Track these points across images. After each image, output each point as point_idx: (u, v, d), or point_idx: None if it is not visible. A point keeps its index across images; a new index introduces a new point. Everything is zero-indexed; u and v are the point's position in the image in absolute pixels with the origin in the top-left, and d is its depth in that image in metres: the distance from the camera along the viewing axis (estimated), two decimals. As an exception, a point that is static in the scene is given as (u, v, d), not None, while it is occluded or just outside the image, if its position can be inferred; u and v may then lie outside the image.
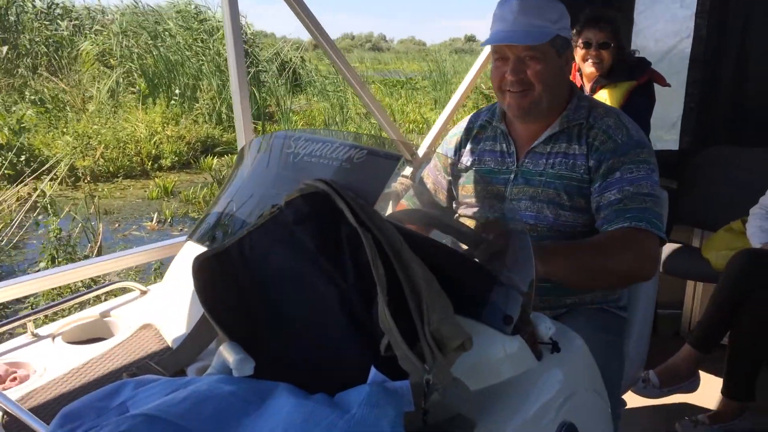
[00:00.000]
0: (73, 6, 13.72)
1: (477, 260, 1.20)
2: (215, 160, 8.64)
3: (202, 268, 1.02)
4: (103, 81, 10.55)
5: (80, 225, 4.92)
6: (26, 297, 3.56)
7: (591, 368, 1.27)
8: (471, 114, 1.89)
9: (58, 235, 4.24)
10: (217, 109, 10.47)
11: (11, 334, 1.48)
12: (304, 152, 1.29)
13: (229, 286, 1.04)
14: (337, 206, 1.02)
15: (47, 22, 12.73)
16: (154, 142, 8.39)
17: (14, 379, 1.24)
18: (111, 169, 7.69)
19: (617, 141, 1.57)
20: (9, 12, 12.41)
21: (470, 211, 1.71)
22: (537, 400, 1.06)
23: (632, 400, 2.32)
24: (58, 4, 13.48)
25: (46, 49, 12.02)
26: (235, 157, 8.58)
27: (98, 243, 4.83)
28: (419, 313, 0.88)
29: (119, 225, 6.05)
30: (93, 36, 12.30)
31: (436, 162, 1.88)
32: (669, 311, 3.21)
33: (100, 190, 7.23)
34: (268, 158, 1.50)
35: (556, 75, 1.60)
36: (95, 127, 8.27)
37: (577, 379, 1.21)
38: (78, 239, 4.75)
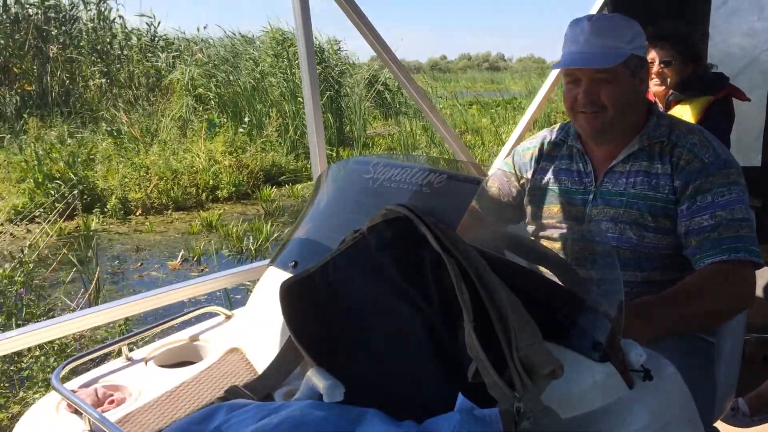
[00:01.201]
0: (176, 37, 14.39)
1: (562, 284, 1.17)
2: (274, 190, 8.74)
3: (288, 293, 1.05)
4: (175, 110, 10.88)
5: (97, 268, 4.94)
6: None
7: (684, 397, 1.21)
8: (545, 130, 1.85)
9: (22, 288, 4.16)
10: (290, 134, 10.64)
11: (106, 358, 1.58)
12: (383, 177, 1.30)
13: (314, 311, 1.05)
14: (419, 231, 1.01)
15: (150, 54, 13.39)
16: (213, 172, 8.52)
17: (112, 401, 1.29)
18: (164, 200, 7.82)
19: (704, 160, 1.51)
20: (113, 44, 13.15)
21: (550, 232, 1.68)
22: (629, 431, 1.02)
23: (722, 429, 2.19)
24: (161, 37, 14.15)
25: (146, 80, 12.61)
26: (298, 186, 8.79)
27: (89, 291, 4.72)
28: (507, 339, 0.87)
29: (142, 264, 6.06)
30: (183, 66, 12.76)
31: (504, 168, 1.85)
32: (758, 335, 3.07)
33: (144, 223, 7.34)
34: (347, 183, 1.52)
35: (629, 96, 1.56)
36: (153, 158, 8.44)
37: (671, 408, 1.16)
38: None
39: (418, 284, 1.02)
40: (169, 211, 7.74)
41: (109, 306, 1.69)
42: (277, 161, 9.56)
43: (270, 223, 7.13)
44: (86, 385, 1.36)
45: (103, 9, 13.83)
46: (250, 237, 6.59)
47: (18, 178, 7.93)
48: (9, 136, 9.89)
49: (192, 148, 9.02)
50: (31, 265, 4.93)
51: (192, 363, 1.44)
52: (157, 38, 14.45)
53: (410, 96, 2.70)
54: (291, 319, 1.03)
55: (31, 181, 7.48)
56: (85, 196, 7.52)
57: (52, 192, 7.32)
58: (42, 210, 7.23)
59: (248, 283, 4.38)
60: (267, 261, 1.75)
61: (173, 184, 8.06)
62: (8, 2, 12.60)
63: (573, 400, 1.00)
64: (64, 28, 13.15)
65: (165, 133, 9.77)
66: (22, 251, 5.24)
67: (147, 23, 14.59)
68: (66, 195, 7.37)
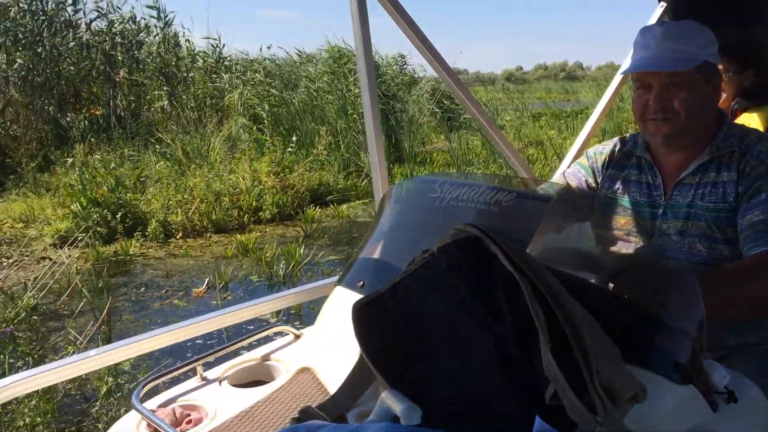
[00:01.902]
0: (239, 59, 14.65)
1: (638, 303, 1.14)
2: (318, 211, 8.47)
3: (360, 314, 1.04)
4: (224, 131, 10.88)
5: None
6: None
7: (769, 419, 1.17)
8: (617, 137, 1.83)
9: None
10: (342, 152, 10.41)
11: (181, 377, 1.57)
12: (450, 196, 1.31)
13: (385, 331, 1.05)
14: (490, 251, 1.01)
15: (214, 75, 13.65)
16: (257, 193, 8.34)
17: (189, 421, 1.33)
18: (205, 223, 7.67)
19: None
20: (179, 67, 13.50)
21: (619, 245, 1.68)
22: (714, 456, 0.99)
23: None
24: (226, 58, 14.44)
25: (209, 101, 12.81)
26: (344, 206, 8.51)
27: (100, 322, 4.56)
28: (586, 361, 0.86)
29: (167, 291, 5.84)
30: (242, 86, 12.86)
31: (578, 167, 1.84)
32: None
33: (182, 247, 7.19)
34: (413, 203, 1.54)
35: (703, 103, 1.54)
36: (196, 180, 8.35)
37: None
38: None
39: (490, 304, 1.03)
40: (209, 234, 7.59)
41: (175, 327, 1.72)
42: (324, 180, 9.29)
43: (305, 246, 6.84)
44: (164, 405, 1.40)
45: (168, 33, 14.12)
46: (282, 261, 6.30)
47: (63, 203, 8.01)
48: (72, 159, 10.09)
49: (237, 168, 8.87)
50: (28, 300, 4.85)
51: (264, 382, 1.48)
52: (221, 60, 14.63)
53: (467, 110, 2.63)
54: (363, 339, 1.03)
55: (76, 205, 7.51)
56: (128, 220, 7.47)
57: (95, 216, 7.32)
58: (83, 235, 7.25)
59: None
60: (329, 279, 1.95)
61: (215, 206, 7.91)
62: (78, 31, 13.05)
63: (655, 424, 0.98)
64: (131, 53, 13.49)
65: (214, 154, 9.71)
66: (25, 284, 5.18)
67: (212, 45, 14.82)
68: (108, 219, 7.36)
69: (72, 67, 12.92)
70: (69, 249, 6.98)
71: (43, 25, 12.56)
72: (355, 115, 11.25)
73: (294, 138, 10.36)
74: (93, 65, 13.06)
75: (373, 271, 1.51)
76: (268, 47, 18.64)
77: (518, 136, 13.13)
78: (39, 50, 12.52)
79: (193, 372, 1.52)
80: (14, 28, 12.16)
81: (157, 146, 10.39)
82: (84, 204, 7.42)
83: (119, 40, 13.40)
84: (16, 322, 4.61)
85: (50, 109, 12.19)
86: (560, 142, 12.51)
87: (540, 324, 0.88)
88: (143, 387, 1.41)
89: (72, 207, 7.57)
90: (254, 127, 11.26)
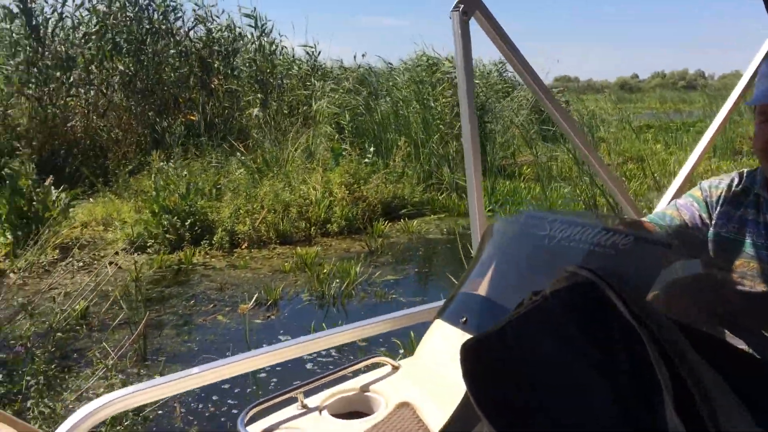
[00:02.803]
0: (333, 66, 14.82)
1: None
2: (387, 225, 8.16)
3: (468, 354, 0.98)
4: (302, 140, 10.83)
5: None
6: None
7: None
8: (734, 172, 1.74)
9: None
10: (421, 163, 10.10)
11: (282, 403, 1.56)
12: (560, 236, 1.27)
13: (493, 376, 0.99)
14: (606, 298, 0.95)
15: (308, 83, 13.83)
16: (327, 205, 8.14)
17: None
18: (271, 234, 7.55)
19: None
20: (275, 74, 13.79)
21: (735, 290, 1.57)
22: None
23: None
24: (320, 67, 14.61)
25: (301, 109, 12.96)
26: (415, 221, 8.17)
27: (135, 336, 4.48)
28: (714, 423, 0.80)
29: (214, 305, 5.69)
30: (330, 95, 12.88)
31: (692, 200, 1.74)
32: None
33: (245, 257, 7.10)
34: (521, 240, 1.49)
35: None
36: (265, 189, 8.27)
37: None
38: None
39: (605, 352, 0.96)
40: (274, 246, 7.46)
41: (271, 349, 1.73)
42: (400, 193, 8.95)
43: (366, 263, 6.55)
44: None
45: (263, 41, 14.35)
46: (336, 279, 6.03)
47: (139, 208, 8.16)
48: (163, 164, 10.36)
49: (310, 179, 8.72)
50: (80, 307, 4.85)
51: (363, 413, 1.49)
52: (315, 68, 14.69)
53: (560, 127, 2.52)
54: (472, 383, 0.97)
55: (147, 211, 7.62)
56: (197, 228, 7.49)
57: (165, 223, 7.39)
58: (152, 241, 7.32)
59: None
60: (425, 306, 1.97)
61: (282, 216, 7.78)
62: (178, 39, 13.51)
63: None
64: (227, 60, 13.81)
65: (291, 163, 9.63)
66: (54, 299, 5.19)
67: (308, 52, 14.92)
68: (177, 226, 7.40)
69: (172, 74, 13.39)
70: (138, 255, 7.08)
71: (147, 34, 13.10)
72: (440, 126, 10.87)
73: (372, 148, 10.09)
74: (191, 72, 13.47)
75: (476, 307, 1.49)
76: (363, 55, 18.63)
77: (618, 150, 12.23)
78: (141, 57, 13.07)
79: (294, 398, 1.53)
80: (118, 36, 12.75)
81: (239, 153, 10.46)
82: (156, 210, 7.51)
83: (217, 48, 13.75)
84: (58, 330, 4.65)
85: (149, 114, 12.67)
86: (665, 157, 11.53)
87: (663, 380, 0.84)
88: (248, 412, 1.43)
89: (144, 213, 7.69)
90: (336, 137, 11.12)
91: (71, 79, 11.72)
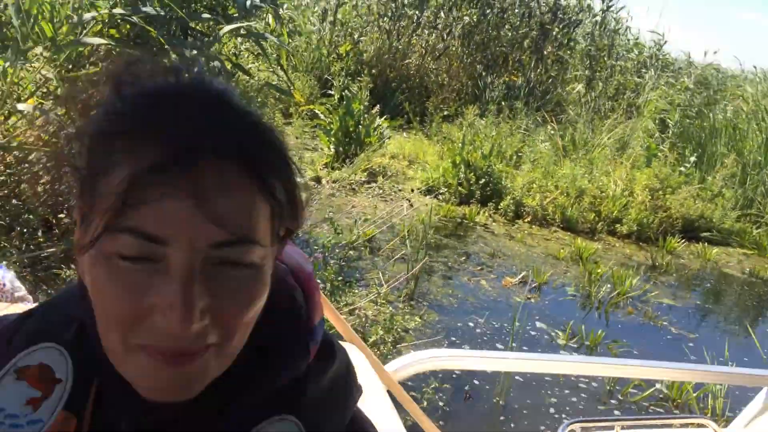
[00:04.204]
0: (677, 60, 14.01)
1: None
2: (682, 244, 7.50)
3: None
4: (617, 130, 10.33)
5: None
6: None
7: None
8: None
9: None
10: (746, 188, 9.05)
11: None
12: None
13: None
14: None
15: (644, 70, 13.30)
16: (623, 204, 7.74)
17: None
18: (556, 216, 7.43)
19: None
20: (611, 54, 13.46)
21: None
22: None
23: None
24: (662, 57, 13.91)
25: (626, 95, 12.55)
26: (715, 249, 7.43)
27: (408, 275, 4.71)
28: None
29: (481, 269, 5.82)
30: (664, 88, 12.16)
31: None
32: None
33: (524, 230, 7.10)
34: None
35: None
36: (565, 171, 8.10)
37: None
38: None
39: None
40: (555, 229, 7.36)
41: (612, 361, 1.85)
42: (707, 214, 8.09)
43: (644, 277, 6.16)
44: None
45: (611, 17, 13.74)
46: (608, 284, 5.79)
47: (442, 155, 8.60)
48: (476, 119, 10.75)
49: (614, 172, 8.32)
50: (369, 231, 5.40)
51: None
52: (655, 56, 13.70)
53: None
54: None
55: (449, 160, 8.03)
56: (488, 189, 7.70)
57: (461, 176, 7.73)
58: (445, 189, 7.74)
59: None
60: (755, 371, 1.71)
61: (573, 202, 7.60)
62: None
63: None
64: (566, 30, 13.56)
65: (599, 151, 9.26)
66: (355, 219, 5.73)
67: (654, 41, 13.94)
68: (471, 182, 7.70)
69: (509, 32, 13.60)
70: (429, 198, 7.56)
71: (498, -10, 13.41)
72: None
73: (692, 158, 9.21)
74: (528, 34, 13.53)
75: None
76: (715, 52, 16.73)
77: None
78: (487, 11, 13.46)
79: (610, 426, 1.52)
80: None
81: (550, 127, 10.35)
82: (456, 162, 7.87)
83: (560, 14, 13.55)
84: (350, 247, 5.25)
85: (477, 66, 13.11)
86: None
87: None
88: (567, 427, 1.46)
89: (446, 161, 8.11)
90: (656, 134, 10.34)
91: (420, 20, 12.58)
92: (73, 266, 3.52)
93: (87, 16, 3.82)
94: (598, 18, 13.83)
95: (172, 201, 0.57)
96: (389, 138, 8.89)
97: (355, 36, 12.37)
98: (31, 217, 3.66)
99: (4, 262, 1.59)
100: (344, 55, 11.80)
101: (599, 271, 6.06)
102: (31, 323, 0.74)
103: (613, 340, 4.83)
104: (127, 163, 0.59)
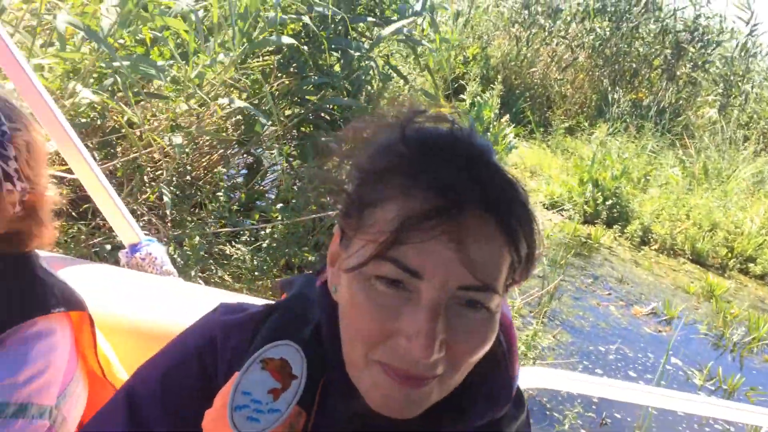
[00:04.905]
0: None
1: None
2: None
3: None
4: (757, 163, 9.84)
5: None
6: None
7: None
8: None
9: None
10: None
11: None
12: None
13: None
14: None
15: None
16: (760, 243, 7.40)
17: None
18: (685, 247, 7.19)
19: None
20: (745, 80, 12.88)
21: None
22: None
23: None
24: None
25: (763, 125, 11.99)
26: None
27: (544, 291, 4.67)
28: None
29: (610, 294, 5.68)
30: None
31: None
32: None
33: (651, 259, 6.90)
34: None
35: None
36: (699, 201, 7.81)
37: None
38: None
39: None
40: (683, 261, 7.13)
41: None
42: None
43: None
44: None
45: (750, 41, 13.06)
46: (743, 328, 5.58)
47: (568, 170, 8.48)
48: (609, 137, 10.53)
49: (751, 207, 7.95)
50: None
51: None
52: None
53: None
54: None
55: (577, 177, 7.91)
56: (614, 211, 7.55)
57: (587, 194, 7.62)
58: (570, 207, 7.64)
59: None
60: None
61: (705, 236, 7.33)
62: (661, 15, 13.11)
63: None
64: (702, 50, 12.99)
65: (734, 182, 8.86)
66: None
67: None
68: (598, 202, 7.57)
69: (640, 48, 13.18)
70: (552, 213, 7.50)
71: (633, 4, 13.00)
72: None
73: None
74: (662, 51, 13.06)
75: None
76: None
77: None
78: (621, 25, 13.09)
79: None
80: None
81: (680, 152, 10.00)
82: (584, 179, 7.75)
83: (697, 34, 13.00)
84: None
85: (604, 80, 12.79)
86: None
87: None
88: None
89: (573, 176, 8.00)
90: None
91: (551, 30, 12.40)
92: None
93: (271, 14, 4.03)
94: (740, 40, 13.17)
95: (436, 243, 0.65)
96: (515, 148, 8.85)
97: (484, 39, 12.34)
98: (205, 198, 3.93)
99: (155, 239, 1.74)
100: (470, 58, 11.80)
101: (732, 311, 5.84)
102: (275, 319, 0.83)
103: (751, 387, 4.66)
104: (399, 201, 0.67)
